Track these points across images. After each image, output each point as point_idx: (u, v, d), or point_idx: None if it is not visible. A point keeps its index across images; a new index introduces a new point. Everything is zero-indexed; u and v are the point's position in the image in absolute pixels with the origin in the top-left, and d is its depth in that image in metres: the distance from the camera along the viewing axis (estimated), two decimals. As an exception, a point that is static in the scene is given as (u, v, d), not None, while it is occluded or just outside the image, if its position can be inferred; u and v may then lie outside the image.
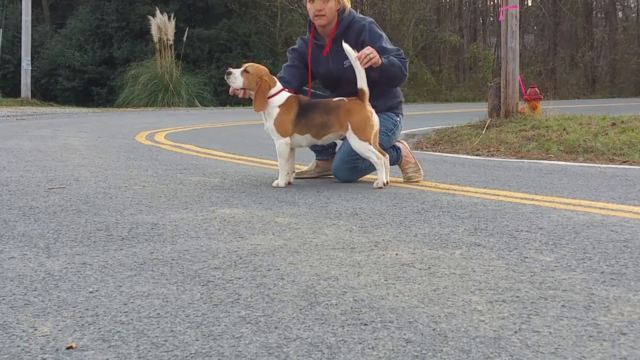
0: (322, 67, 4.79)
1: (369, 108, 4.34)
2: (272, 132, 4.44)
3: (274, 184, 4.46)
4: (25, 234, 2.99)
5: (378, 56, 4.37)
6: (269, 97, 4.40)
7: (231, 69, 4.47)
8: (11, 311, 1.98)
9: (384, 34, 4.71)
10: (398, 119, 4.79)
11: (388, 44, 4.65)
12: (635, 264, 2.46)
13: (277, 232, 3.03)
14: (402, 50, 4.68)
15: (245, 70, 4.41)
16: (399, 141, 4.87)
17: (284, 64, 4.91)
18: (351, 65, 4.41)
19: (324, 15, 4.65)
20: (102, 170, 5.31)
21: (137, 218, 3.35)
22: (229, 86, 4.48)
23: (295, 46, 4.92)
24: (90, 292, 2.15)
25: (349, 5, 4.75)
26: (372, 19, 4.78)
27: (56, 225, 3.17)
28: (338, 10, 4.68)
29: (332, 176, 4.87)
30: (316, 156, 4.98)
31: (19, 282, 2.26)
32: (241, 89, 4.41)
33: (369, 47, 4.40)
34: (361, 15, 4.80)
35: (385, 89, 4.71)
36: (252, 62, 4.62)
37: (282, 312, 1.96)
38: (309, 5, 4.69)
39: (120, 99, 22.99)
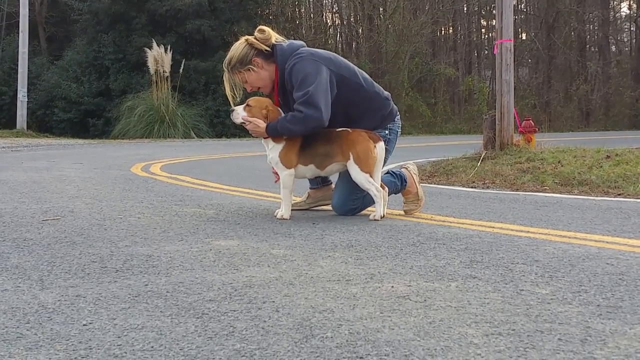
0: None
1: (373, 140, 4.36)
2: (276, 165, 4.44)
3: (278, 215, 4.44)
4: (19, 266, 2.97)
5: (260, 131, 4.41)
6: None
7: (234, 107, 4.50)
8: (3, 344, 1.96)
9: (301, 75, 4.36)
10: (386, 131, 4.68)
11: (300, 89, 4.35)
12: (631, 297, 2.46)
13: (273, 264, 3.02)
14: (308, 94, 4.29)
15: (247, 105, 4.44)
16: (406, 168, 4.85)
17: None
18: None
19: (258, 88, 4.61)
20: (97, 201, 5.30)
21: (131, 250, 3.34)
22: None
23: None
24: (84, 325, 2.13)
25: (268, 43, 4.52)
26: (299, 56, 4.43)
27: (50, 257, 3.15)
28: (261, 66, 4.50)
29: (324, 207, 4.87)
30: (310, 184, 4.97)
31: (12, 314, 2.24)
32: (246, 119, 4.42)
33: (252, 122, 4.41)
34: (295, 53, 4.47)
35: (362, 111, 4.60)
36: (248, 95, 4.61)
37: (277, 345, 1.95)
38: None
39: (116, 130, 23.05)
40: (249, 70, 4.51)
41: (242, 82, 4.58)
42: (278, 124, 4.35)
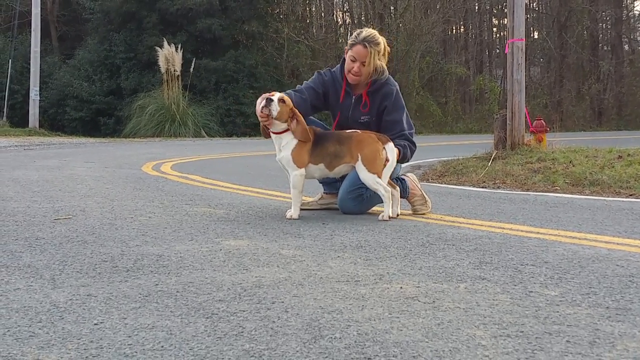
0: (341, 109, 4.85)
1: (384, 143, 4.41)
2: (287, 163, 4.44)
3: (288, 215, 4.45)
4: (31, 265, 2.99)
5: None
6: (285, 131, 4.41)
7: (268, 97, 4.39)
8: (16, 343, 1.98)
9: (404, 108, 4.86)
10: None
11: (404, 118, 4.79)
12: (640, 298, 2.45)
13: (282, 264, 3.03)
14: (414, 129, 4.89)
15: (281, 100, 4.39)
16: (405, 175, 4.88)
17: (307, 83, 4.88)
18: (367, 122, 4.73)
19: (358, 77, 4.72)
20: (109, 200, 5.32)
21: (142, 249, 3.36)
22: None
23: (325, 75, 4.89)
24: (95, 324, 2.15)
25: (386, 69, 4.81)
26: (398, 88, 4.87)
27: (62, 257, 3.17)
28: (372, 74, 4.73)
29: (336, 208, 4.88)
30: (324, 189, 4.98)
31: (24, 313, 2.26)
32: (273, 118, 4.37)
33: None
34: (392, 79, 4.87)
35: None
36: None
37: (286, 345, 1.96)
38: (348, 59, 4.72)
39: (127, 129, 23.13)
40: (377, 53, 4.69)
41: (361, 56, 4.69)
42: (408, 149, 4.74)
